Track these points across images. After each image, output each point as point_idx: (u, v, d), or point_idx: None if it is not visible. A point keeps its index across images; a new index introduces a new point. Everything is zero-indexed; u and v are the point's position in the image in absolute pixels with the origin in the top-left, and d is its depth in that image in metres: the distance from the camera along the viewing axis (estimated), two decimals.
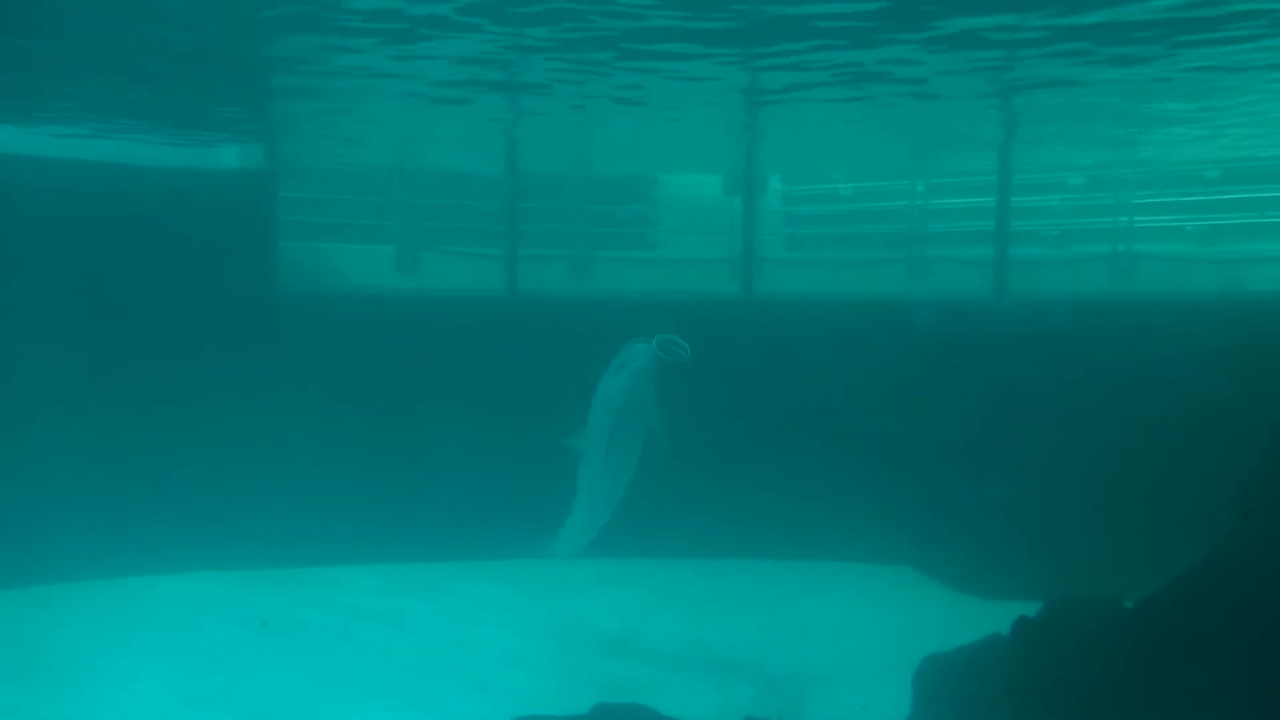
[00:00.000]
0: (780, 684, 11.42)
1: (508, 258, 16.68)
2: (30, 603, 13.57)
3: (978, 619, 10.60)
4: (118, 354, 14.89)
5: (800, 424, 15.61)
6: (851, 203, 21.78)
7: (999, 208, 16.15)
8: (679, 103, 14.33)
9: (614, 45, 11.65)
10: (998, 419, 14.44)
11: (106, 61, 12.07)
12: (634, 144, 17.37)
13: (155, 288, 15.16)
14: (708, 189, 20.98)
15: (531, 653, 12.30)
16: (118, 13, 10.16)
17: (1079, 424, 14.04)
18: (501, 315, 16.28)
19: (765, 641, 12.57)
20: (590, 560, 15.39)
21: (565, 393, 15.42)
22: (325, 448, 15.26)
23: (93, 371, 14.71)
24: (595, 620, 13.47)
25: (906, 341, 15.45)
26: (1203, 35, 11.25)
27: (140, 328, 15.04)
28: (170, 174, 15.85)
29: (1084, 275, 18.04)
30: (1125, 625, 8.58)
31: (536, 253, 17.52)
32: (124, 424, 14.73)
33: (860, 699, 10.74)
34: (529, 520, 15.49)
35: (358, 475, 15.35)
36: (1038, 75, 12.85)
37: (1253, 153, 17.81)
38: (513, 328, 16.01)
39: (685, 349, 10.15)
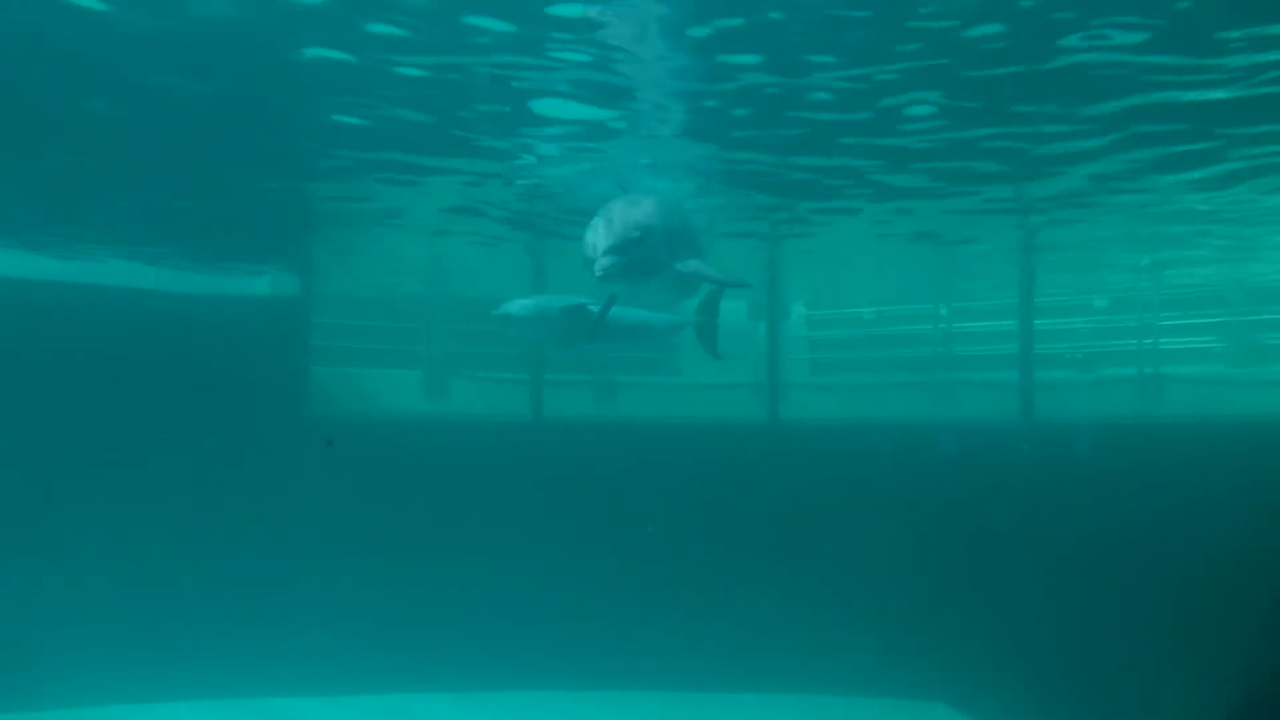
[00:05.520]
0: None
1: (533, 383, 16.81)
2: None
3: None
4: (151, 476, 15.02)
5: (828, 550, 15.44)
6: (875, 326, 21.85)
7: (1022, 331, 16.19)
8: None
9: None
10: (1026, 548, 14.25)
11: (147, 185, 12.38)
12: None
13: (188, 412, 15.34)
14: (732, 314, 21.12)
15: None
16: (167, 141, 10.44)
17: (1111, 554, 13.82)
18: (529, 439, 16.36)
19: None
20: (603, 691, 15.20)
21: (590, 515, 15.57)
22: (356, 569, 15.29)
23: (129, 494, 14.84)
24: None
25: (932, 466, 15.35)
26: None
27: (172, 451, 15.17)
28: (204, 300, 16.17)
29: (1110, 398, 17.93)
30: None
31: (561, 378, 17.65)
32: (158, 546, 14.80)
33: None
34: (551, 648, 15.42)
35: (390, 598, 15.32)
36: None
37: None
38: (541, 452, 16.08)
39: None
